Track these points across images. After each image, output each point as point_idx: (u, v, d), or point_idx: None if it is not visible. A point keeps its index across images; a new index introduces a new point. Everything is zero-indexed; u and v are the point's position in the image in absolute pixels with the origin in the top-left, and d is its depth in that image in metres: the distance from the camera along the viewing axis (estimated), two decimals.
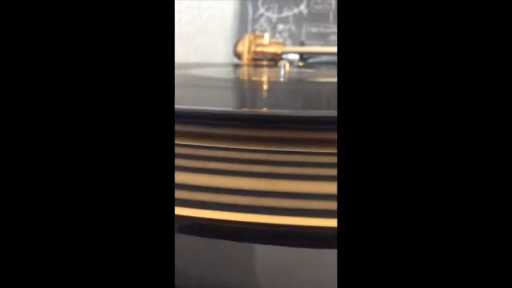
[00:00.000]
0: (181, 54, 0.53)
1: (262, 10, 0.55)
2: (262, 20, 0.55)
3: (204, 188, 0.15)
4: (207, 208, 0.15)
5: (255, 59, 0.46)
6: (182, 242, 0.15)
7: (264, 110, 0.19)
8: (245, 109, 0.19)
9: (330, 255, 0.14)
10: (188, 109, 0.16)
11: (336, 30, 0.51)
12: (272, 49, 0.47)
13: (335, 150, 0.14)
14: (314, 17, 0.53)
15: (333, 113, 0.15)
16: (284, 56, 0.47)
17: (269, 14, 0.54)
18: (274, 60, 0.46)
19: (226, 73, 0.38)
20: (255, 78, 0.34)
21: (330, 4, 0.53)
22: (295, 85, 0.30)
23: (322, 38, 0.53)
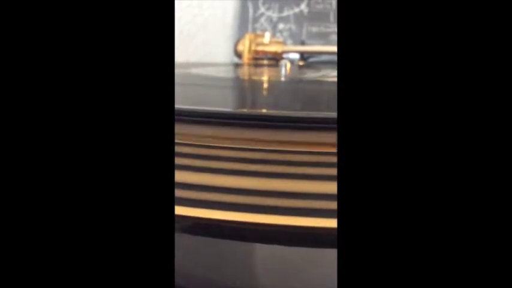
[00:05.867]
0: (181, 53, 0.53)
1: (262, 9, 0.55)
2: (262, 19, 0.55)
3: (204, 188, 0.15)
4: (207, 207, 0.15)
5: (255, 58, 0.46)
6: (182, 241, 0.15)
7: (265, 110, 0.19)
8: (246, 109, 0.19)
9: (330, 255, 0.14)
10: (188, 109, 0.16)
11: (336, 29, 0.51)
12: (273, 48, 0.47)
13: (335, 150, 0.14)
14: (315, 16, 0.53)
15: (333, 113, 0.15)
16: (284, 56, 0.47)
17: (270, 13, 0.54)
18: (275, 59, 0.46)
19: (226, 72, 0.38)
20: (255, 78, 0.34)
21: (331, 3, 0.53)
22: (295, 85, 0.30)
23: (322, 37, 0.53)
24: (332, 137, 0.15)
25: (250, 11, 0.55)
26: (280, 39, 0.51)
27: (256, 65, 0.45)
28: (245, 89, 0.28)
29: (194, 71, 0.35)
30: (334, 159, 0.15)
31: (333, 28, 0.52)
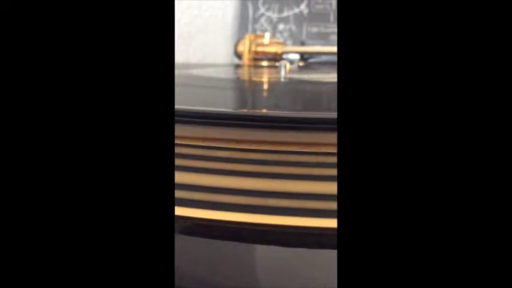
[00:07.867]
0: (181, 54, 0.53)
1: (262, 10, 0.55)
2: (262, 20, 0.55)
3: (204, 188, 0.15)
4: (207, 208, 0.15)
5: (255, 59, 0.46)
6: (182, 243, 0.15)
7: (265, 110, 0.19)
8: (246, 110, 0.19)
9: (330, 256, 0.14)
10: (188, 109, 0.16)
11: (336, 29, 0.51)
12: (272, 49, 0.47)
13: (335, 151, 0.14)
14: (314, 17, 0.53)
15: (333, 113, 0.15)
16: (284, 56, 0.47)
17: (269, 13, 0.54)
18: (275, 60, 0.46)
19: (226, 73, 0.38)
20: (255, 79, 0.34)
21: (331, 4, 0.53)
22: (295, 85, 0.30)
23: (322, 37, 0.53)
24: (332, 137, 0.15)
25: (250, 11, 0.55)
26: (280, 40, 0.51)
27: (256, 66, 0.45)
28: (245, 89, 0.28)
29: (194, 72, 0.35)
30: (334, 159, 0.15)
31: (333, 28, 0.52)
